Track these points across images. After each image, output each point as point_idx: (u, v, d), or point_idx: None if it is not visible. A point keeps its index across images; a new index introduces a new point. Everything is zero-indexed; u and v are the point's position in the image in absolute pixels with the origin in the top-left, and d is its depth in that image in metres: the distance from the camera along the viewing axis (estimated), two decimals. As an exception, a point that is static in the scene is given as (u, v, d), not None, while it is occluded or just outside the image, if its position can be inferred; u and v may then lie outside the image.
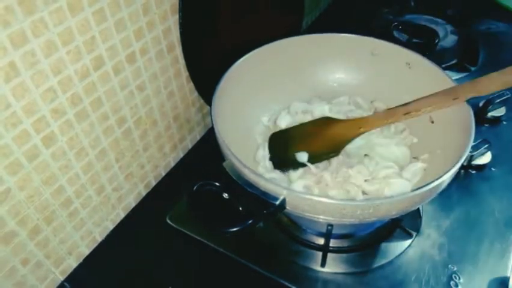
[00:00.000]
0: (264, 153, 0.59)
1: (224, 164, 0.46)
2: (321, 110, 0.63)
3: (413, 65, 0.60)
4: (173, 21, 0.56)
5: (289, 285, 0.52)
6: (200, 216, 0.43)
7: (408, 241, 0.56)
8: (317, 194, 0.53)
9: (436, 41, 0.85)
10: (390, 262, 0.54)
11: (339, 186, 0.53)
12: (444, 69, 0.58)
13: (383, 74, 0.64)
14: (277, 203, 0.42)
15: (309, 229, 0.57)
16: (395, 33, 0.87)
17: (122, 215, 0.61)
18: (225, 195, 0.44)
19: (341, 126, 0.58)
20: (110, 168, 0.55)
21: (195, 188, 0.44)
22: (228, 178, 0.44)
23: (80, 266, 0.55)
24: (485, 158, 0.65)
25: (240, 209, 0.43)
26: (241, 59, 0.57)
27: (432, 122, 0.57)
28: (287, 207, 0.43)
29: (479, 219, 0.58)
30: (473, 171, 0.65)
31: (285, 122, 0.63)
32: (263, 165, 0.57)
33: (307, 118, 0.63)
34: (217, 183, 0.44)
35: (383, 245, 0.56)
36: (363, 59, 0.64)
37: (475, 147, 0.65)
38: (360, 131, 0.57)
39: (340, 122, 0.59)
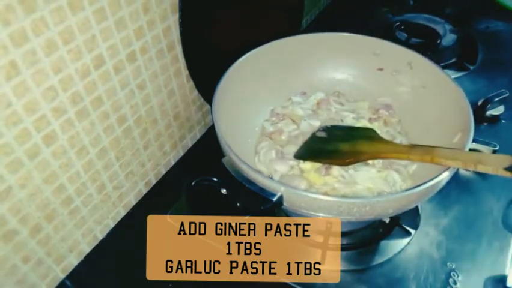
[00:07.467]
0: (265, 144, 0.59)
1: (223, 160, 0.46)
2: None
3: (414, 65, 0.60)
4: (173, 20, 0.56)
5: (289, 282, 0.52)
6: (198, 211, 0.43)
7: (407, 239, 0.56)
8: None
9: (438, 41, 0.86)
10: (389, 260, 0.54)
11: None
12: (443, 68, 0.58)
13: (384, 74, 0.64)
14: (275, 199, 0.42)
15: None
16: (396, 33, 0.88)
17: (123, 213, 0.61)
18: (223, 191, 0.44)
19: (387, 145, 0.54)
20: (111, 167, 0.55)
21: (193, 183, 0.44)
22: (227, 174, 0.44)
23: (81, 264, 0.56)
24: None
25: (238, 204, 0.43)
26: (242, 58, 0.58)
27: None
28: (284, 204, 0.43)
29: (477, 217, 0.58)
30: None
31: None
32: (263, 156, 0.58)
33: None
34: (215, 179, 0.44)
35: (382, 242, 0.56)
36: (364, 59, 0.64)
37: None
38: (408, 157, 0.50)
39: (389, 143, 0.55)
